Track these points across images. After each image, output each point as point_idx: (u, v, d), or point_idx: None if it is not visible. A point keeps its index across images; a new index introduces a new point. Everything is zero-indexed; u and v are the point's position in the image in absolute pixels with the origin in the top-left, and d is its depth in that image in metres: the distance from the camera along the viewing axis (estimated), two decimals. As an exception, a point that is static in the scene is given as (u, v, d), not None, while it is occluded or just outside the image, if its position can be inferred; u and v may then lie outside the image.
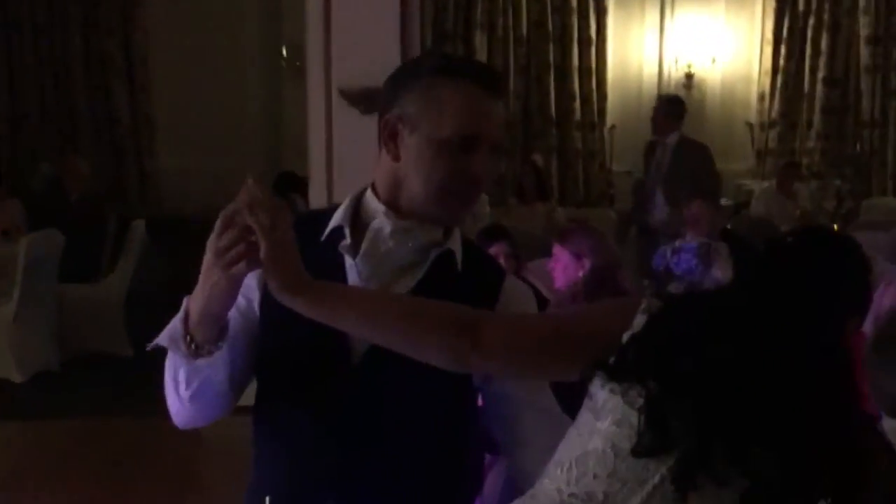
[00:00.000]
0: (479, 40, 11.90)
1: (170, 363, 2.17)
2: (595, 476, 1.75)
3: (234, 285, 1.93)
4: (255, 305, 2.13)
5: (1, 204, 9.03)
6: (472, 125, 2.04)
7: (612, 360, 1.79)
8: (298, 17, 6.46)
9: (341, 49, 5.65)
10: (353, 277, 2.09)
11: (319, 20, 5.75)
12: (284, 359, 1.90)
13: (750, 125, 12.74)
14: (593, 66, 12.20)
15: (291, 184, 9.59)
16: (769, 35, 12.61)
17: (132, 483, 5.94)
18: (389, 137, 2.10)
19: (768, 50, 12.64)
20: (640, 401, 1.72)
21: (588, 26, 12.13)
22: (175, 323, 2.04)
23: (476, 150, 2.04)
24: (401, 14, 5.65)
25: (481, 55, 11.76)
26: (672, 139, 8.76)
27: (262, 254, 1.83)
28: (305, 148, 6.10)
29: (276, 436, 2.17)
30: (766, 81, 12.69)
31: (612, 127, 12.36)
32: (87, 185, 9.33)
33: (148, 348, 2.11)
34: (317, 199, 5.86)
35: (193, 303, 1.96)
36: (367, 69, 5.58)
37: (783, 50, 12.58)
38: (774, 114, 12.71)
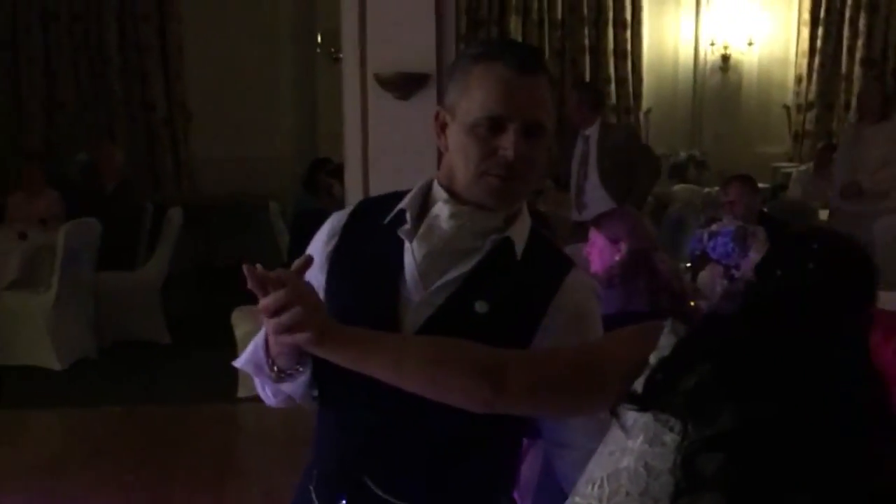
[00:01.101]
0: (514, 25, 11.87)
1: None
2: (627, 493, 1.75)
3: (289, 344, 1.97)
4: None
5: (38, 193, 9.12)
6: (498, 106, 2.03)
7: (640, 382, 1.79)
8: (333, 4, 6.45)
9: (376, 35, 5.65)
10: (409, 261, 2.11)
11: (354, 6, 5.75)
12: None
13: (787, 108, 12.65)
14: (629, 49, 12.14)
15: (327, 170, 9.62)
16: (806, 16, 12.51)
17: (172, 469, 5.98)
18: (440, 129, 2.15)
19: (805, 31, 12.54)
20: (673, 421, 1.72)
21: (623, 9, 12.07)
22: (257, 349, 2.09)
23: (504, 131, 2.04)
24: (436, -1, 5.65)
25: (516, 39, 11.72)
26: (593, 130, 8.08)
27: (286, 318, 1.87)
28: (340, 134, 6.10)
29: (328, 414, 2.21)
30: (804, 63, 12.59)
31: (648, 110, 12.30)
32: (123, 173, 9.38)
33: (235, 364, 2.17)
34: (353, 184, 5.86)
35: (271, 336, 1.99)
36: (402, 55, 5.63)
37: (820, 31, 12.48)
38: (811, 96, 12.61)
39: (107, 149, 9.60)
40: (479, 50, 2.14)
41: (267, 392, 2.24)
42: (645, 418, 1.76)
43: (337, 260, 2.20)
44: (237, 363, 2.16)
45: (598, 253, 4.71)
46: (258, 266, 1.88)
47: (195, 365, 7.64)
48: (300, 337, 1.88)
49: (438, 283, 2.08)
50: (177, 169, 11.31)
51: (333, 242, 2.22)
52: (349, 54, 5.88)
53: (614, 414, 1.84)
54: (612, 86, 12.13)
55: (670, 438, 1.73)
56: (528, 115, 2.05)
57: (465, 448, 2.10)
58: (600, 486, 1.78)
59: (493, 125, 2.04)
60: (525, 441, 2.31)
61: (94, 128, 10.98)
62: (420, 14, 5.59)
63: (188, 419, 6.83)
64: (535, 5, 11.91)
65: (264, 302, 1.87)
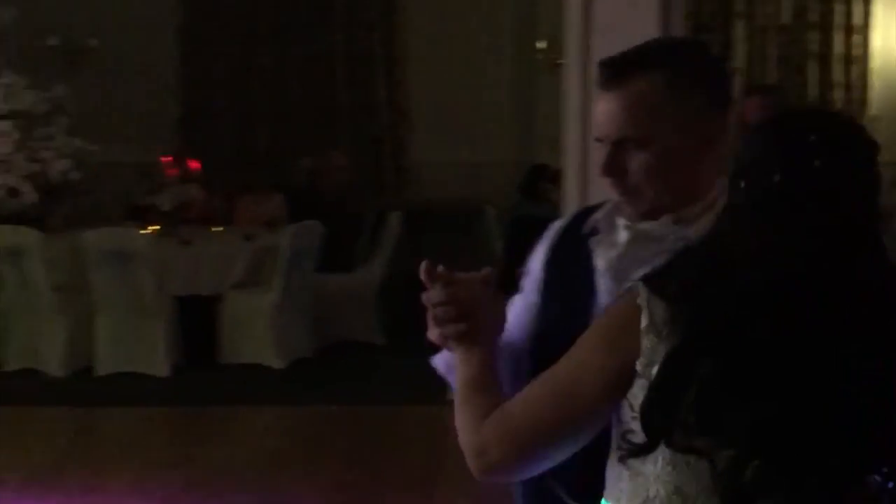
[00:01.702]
0: (738, 30, 11.62)
1: None
2: None
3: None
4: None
5: (264, 197, 9.39)
6: (595, 128, 2.08)
7: (633, 397, 1.66)
8: (555, 10, 6.43)
9: (600, 41, 5.59)
10: (599, 271, 2.12)
11: (578, 13, 5.71)
12: (533, 350, 1.96)
13: None
14: (856, 53, 11.72)
15: (545, 176, 9.61)
16: None
17: (384, 469, 6.05)
18: None
19: None
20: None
21: (852, 13, 11.65)
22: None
23: (603, 148, 2.06)
24: (660, 5, 5.56)
25: (740, 45, 11.48)
26: None
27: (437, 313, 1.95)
28: (559, 140, 6.07)
29: None
30: None
31: (875, 117, 11.84)
32: (345, 178, 9.59)
33: (432, 361, 2.24)
34: (571, 191, 5.82)
35: None
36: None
37: None
38: None
39: (330, 155, 9.84)
40: None
41: None
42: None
43: (547, 274, 2.23)
44: (434, 360, 2.21)
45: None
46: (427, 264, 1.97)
47: (408, 367, 7.68)
48: (440, 333, 1.96)
49: (621, 291, 2.07)
50: (397, 174, 11.50)
51: (545, 257, 2.25)
52: (571, 60, 5.84)
53: (621, 451, 1.71)
54: (838, 91, 11.72)
55: (693, 457, 1.60)
56: (612, 132, 2.04)
57: None
58: None
59: (598, 143, 2.08)
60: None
61: (319, 134, 11.25)
62: (644, 20, 5.51)
63: (401, 420, 6.92)
64: (760, 10, 11.62)
65: (426, 293, 1.96)
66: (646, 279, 1.67)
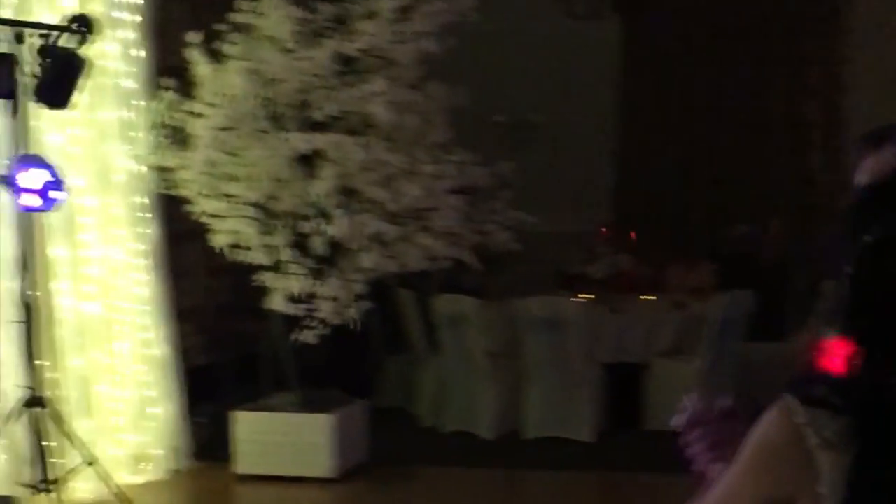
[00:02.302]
0: None
1: None
2: None
3: None
4: None
5: (694, 265, 9.42)
6: None
7: None
8: None
9: None
10: None
11: None
12: None
13: None
14: None
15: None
16: None
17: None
18: None
19: None
20: None
21: None
22: None
23: None
24: None
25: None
26: None
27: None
28: None
29: None
30: None
31: None
32: (782, 246, 9.45)
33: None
34: None
35: None
36: None
37: None
38: None
39: (770, 222, 9.74)
40: None
41: None
42: None
43: None
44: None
45: None
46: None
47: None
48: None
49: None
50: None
51: None
52: None
53: None
54: None
55: None
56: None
57: None
58: None
59: None
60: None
61: (755, 201, 11.15)
62: None
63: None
64: None
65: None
66: (797, 394, 1.57)
